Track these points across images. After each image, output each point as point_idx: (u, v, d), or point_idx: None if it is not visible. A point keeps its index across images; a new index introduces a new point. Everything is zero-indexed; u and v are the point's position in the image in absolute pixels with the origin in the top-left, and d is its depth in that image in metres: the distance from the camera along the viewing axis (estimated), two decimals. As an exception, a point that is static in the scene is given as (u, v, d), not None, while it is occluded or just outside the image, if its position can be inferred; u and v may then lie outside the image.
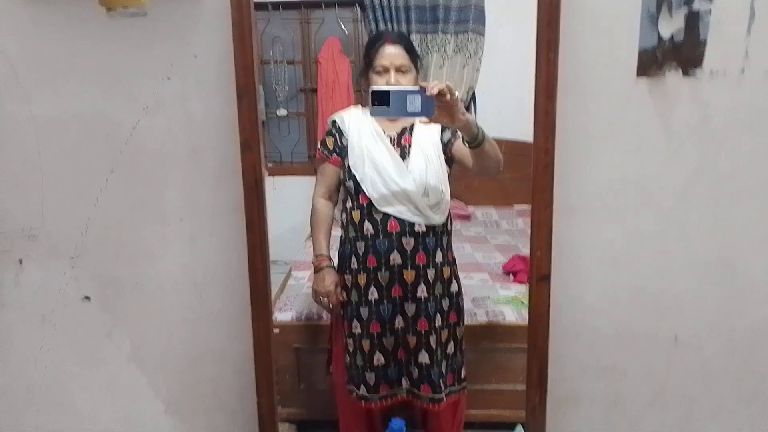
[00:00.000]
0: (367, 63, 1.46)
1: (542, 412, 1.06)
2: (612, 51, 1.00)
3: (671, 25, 0.98)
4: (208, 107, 1.03)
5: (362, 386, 1.50)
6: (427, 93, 1.11)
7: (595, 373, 1.12)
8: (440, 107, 1.14)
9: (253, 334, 1.02)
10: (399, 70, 1.42)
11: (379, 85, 1.41)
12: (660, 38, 0.99)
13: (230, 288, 1.07)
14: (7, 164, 1.03)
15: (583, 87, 1.00)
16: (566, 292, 1.07)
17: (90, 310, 1.09)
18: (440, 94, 1.12)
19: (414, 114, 1.14)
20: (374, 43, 1.46)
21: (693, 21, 0.98)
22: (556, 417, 1.10)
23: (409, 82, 1.42)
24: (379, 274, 1.47)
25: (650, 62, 1.00)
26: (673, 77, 1.00)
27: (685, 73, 1.00)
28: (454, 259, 1.54)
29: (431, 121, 1.17)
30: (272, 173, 2.22)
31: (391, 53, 1.43)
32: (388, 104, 1.11)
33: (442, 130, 1.50)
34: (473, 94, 2.18)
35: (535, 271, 1.03)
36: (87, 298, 1.09)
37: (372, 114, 1.16)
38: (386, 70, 1.42)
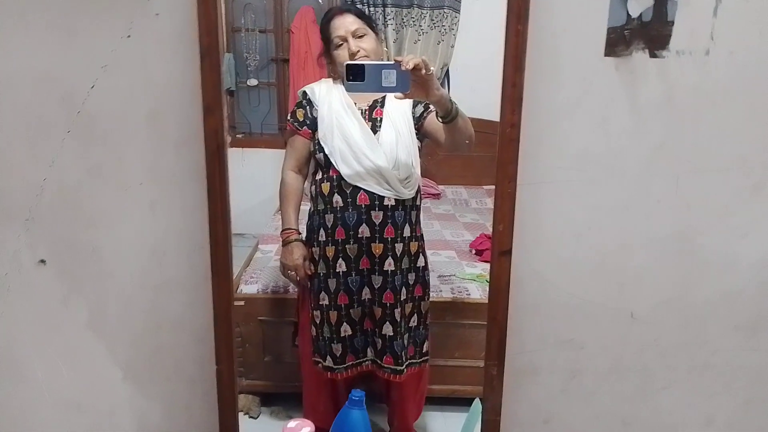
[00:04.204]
0: (326, 43, 1.47)
1: (500, 384, 1.08)
2: (581, 26, 1.00)
3: (640, 4, 0.99)
4: (169, 69, 0.99)
5: (329, 358, 1.51)
6: (402, 67, 1.10)
7: (553, 346, 1.14)
8: (415, 82, 1.14)
9: (213, 302, 1.01)
10: (355, 35, 1.42)
11: (344, 57, 1.40)
12: (629, 16, 0.99)
13: (191, 256, 1.05)
14: (-43, 123, 0.99)
15: (551, 62, 1.00)
16: (527, 266, 1.08)
17: (45, 274, 1.06)
18: (415, 68, 1.12)
19: (389, 89, 1.14)
20: (325, 22, 1.47)
21: (661, 1, 0.99)
22: (513, 389, 1.12)
23: (370, 46, 1.43)
24: (347, 246, 1.47)
25: (618, 40, 1.00)
26: (640, 57, 1.01)
27: (652, 55, 1.01)
28: (421, 235, 1.55)
29: (406, 96, 1.17)
30: (241, 145, 2.19)
31: (344, 21, 1.44)
32: (362, 79, 1.10)
33: (414, 104, 1.50)
34: (447, 70, 2.17)
35: (497, 245, 1.03)
36: (42, 261, 1.06)
37: (347, 90, 1.15)
38: (344, 40, 1.42)
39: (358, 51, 1.40)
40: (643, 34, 0.99)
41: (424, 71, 1.14)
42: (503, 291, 1.04)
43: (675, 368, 1.17)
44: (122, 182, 1.04)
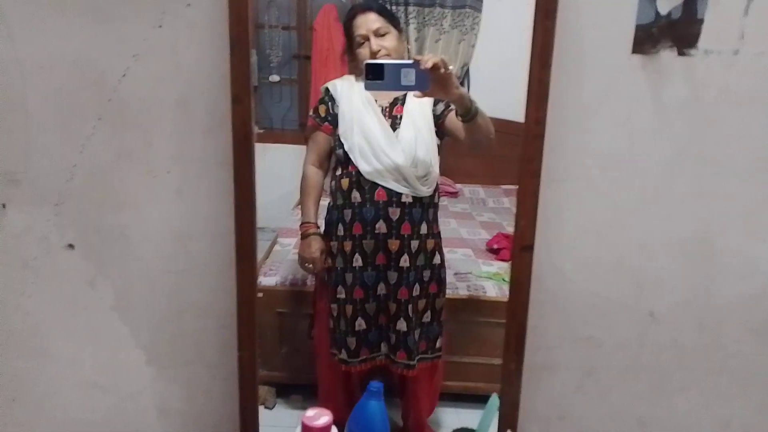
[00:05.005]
0: (349, 41, 1.48)
1: (518, 379, 1.08)
2: (609, 24, 1.00)
3: (670, 2, 0.99)
4: (199, 58, 1.01)
5: (343, 350, 1.52)
6: (421, 66, 1.11)
7: (571, 343, 1.14)
8: (434, 80, 1.15)
9: (237, 288, 1.02)
10: (377, 34, 1.43)
11: (365, 56, 1.41)
12: (657, 14, 0.99)
13: (216, 242, 1.07)
14: (-9, 106, 1.02)
15: (577, 59, 1.01)
16: (548, 262, 1.09)
17: (73, 257, 1.09)
18: (434, 67, 1.12)
19: (408, 87, 1.14)
20: (348, 20, 1.48)
21: (692, -1, 0.98)
22: (530, 384, 1.12)
23: (391, 45, 1.43)
24: (364, 241, 1.48)
25: (646, 38, 1.00)
26: (668, 55, 1.01)
27: (680, 53, 1.01)
28: (438, 232, 1.56)
29: (425, 94, 1.18)
30: (262, 140, 2.21)
31: (365, 20, 1.44)
32: (382, 78, 1.11)
33: (435, 102, 1.50)
34: (467, 70, 2.18)
35: (518, 240, 1.04)
36: (71, 246, 1.08)
37: (366, 88, 1.16)
38: (366, 38, 1.43)
39: (379, 50, 1.41)
40: (671, 32, 0.99)
41: (442, 70, 1.14)
42: (523, 286, 1.04)
43: (692, 370, 1.17)
44: (150, 168, 1.06)
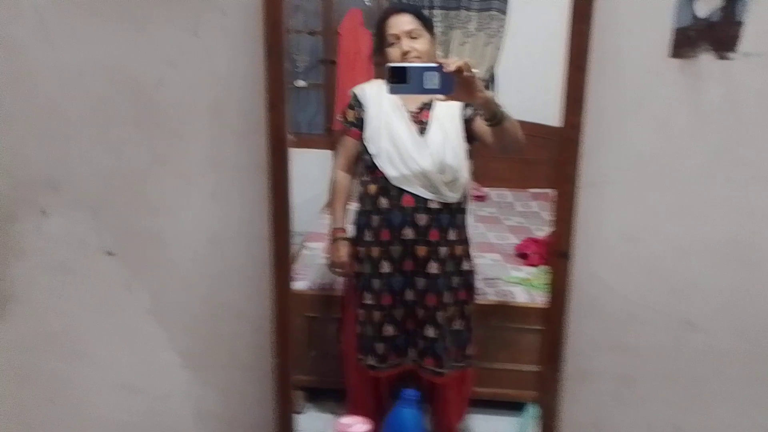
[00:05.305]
0: (380, 41, 1.47)
1: (555, 386, 1.07)
2: (646, 27, 0.98)
3: (708, 5, 0.97)
4: (234, 65, 1.02)
5: (371, 356, 1.51)
6: (445, 69, 1.10)
7: (607, 350, 1.12)
8: (459, 84, 1.14)
9: (273, 294, 1.03)
10: (410, 36, 1.42)
11: (395, 56, 1.40)
12: (695, 17, 0.98)
13: (251, 247, 1.08)
14: (31, 112, 1.04)
15: (614, 62, 1.00)
16: (585, 268, 1.07)
17: (110, 261, 1.10)
18: (458, 70, 1.11)
19: (432, 91, 1.13)
20: (382, 19, 1.46)
21: (731, 1, 0.96)
22: (567, 392, 1.11)
23: (423, 47, 1.42)
24: (391, 247, 1.48)
25: (684, 41, 0.98)
26: (706, 59, 0.99)
27: (719, 56, 0.99)
28: (467, 238, 1.54)
29: (450, 98, 1.17)
30: (289, 145, 2.23)
31: (399, 20, 1.43)
32: (405, 81, 1.10)
33: (464, 106, 1.49)
34: (494, 73, 2.16)
35: (555, 246, 1.03)
36: (110, 253, 1.10)
37: (389, 92, 1.15)
38: (398, 39, 1.42)
39: (410, 51, 1.40)
40: (710, 36, 0.98)
41: (467, 73, 1.13)
42: (560, 293, 1.03)
43: (731, 379, 1.14)
44: (185, 172, 1.07)
